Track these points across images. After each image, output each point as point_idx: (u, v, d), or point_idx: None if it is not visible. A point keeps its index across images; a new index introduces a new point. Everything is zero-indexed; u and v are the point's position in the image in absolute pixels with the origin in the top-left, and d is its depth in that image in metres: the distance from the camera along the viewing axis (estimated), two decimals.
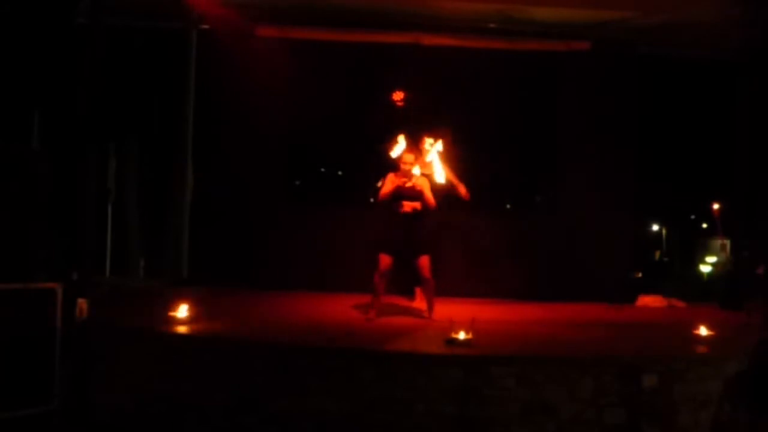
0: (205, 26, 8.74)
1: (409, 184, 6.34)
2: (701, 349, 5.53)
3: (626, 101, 8.72)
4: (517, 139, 8.80)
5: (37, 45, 7.59)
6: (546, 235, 8.58)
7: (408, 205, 6.36)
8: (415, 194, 6.36)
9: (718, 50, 8.89)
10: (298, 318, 6.36)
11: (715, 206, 8.25)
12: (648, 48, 8.90)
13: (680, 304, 8.45)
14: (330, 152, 9.09)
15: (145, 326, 5.56)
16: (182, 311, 5.72)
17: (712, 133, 10.13)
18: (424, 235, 6.48)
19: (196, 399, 4.89)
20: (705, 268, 12.38)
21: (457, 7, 8.24)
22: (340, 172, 9.61)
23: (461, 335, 5.03)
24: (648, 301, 8.45)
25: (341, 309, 7.04)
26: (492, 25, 8.61)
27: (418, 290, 7.50)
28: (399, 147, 6.45)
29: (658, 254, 14.44)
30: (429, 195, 6.39)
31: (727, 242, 9.15)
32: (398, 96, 7.71)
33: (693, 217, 14.71)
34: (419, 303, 7.26)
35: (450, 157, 6.87)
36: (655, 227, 14.82)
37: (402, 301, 7.35)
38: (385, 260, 6.39)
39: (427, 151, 6.62)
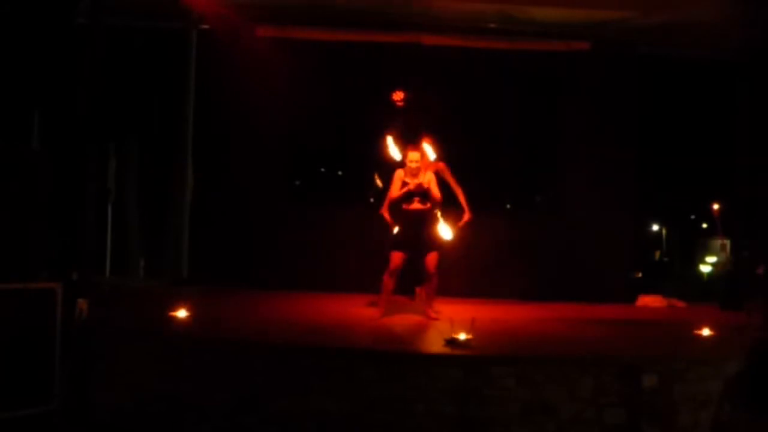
0: (205, 26, 8.74)
1: (415, 182, 6.35)
2: (701, 349, 5.53)
3: (626, 101, 8.72)
4: (518, 139, 8.81)
5: (37, 45, 7.59)
6: (546, 235, 8.58)
7: (416, 203, 6.39)
8: (423, 192, 6.39)
9: (718, 50, 8.90)
10: (298, 318, 6.36)
11: (715, 206, 8.25)
12: (648, 48, 8.91)
13: (680, 304, 8.45)
14: (330, 152, 9.10)
15: (145, 326, 5.57)
16: (182, 311, 5.73)
17: (712, 133, 10.12)
18: (433, 232, 6.50)
19: (196, 399, 4.88)
20: (705, 268, 12.37)
21: (458, 7, 8.24)
22: (340, 172, 9.61)
23: (461, 335, 5.03)
24: (648, 301, 8.45)
25: (341, 309, 7.04)
26: (492, 25, 8.61)
27: (418, 290, 7.49)
28: (391, 148, 6.48)
29: (658, 254, 14.43)
30: (435, 191, 6.42)
31: (727, 242, 9.14)
32: (398, 96, 7.70)
33: (693, 217, 14.70)
34: (420, 303, 7.27)
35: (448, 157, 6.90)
36: (655, 227, 14.81)
37: (402, 301, 7.34)
38: (396, 259, 6.39)
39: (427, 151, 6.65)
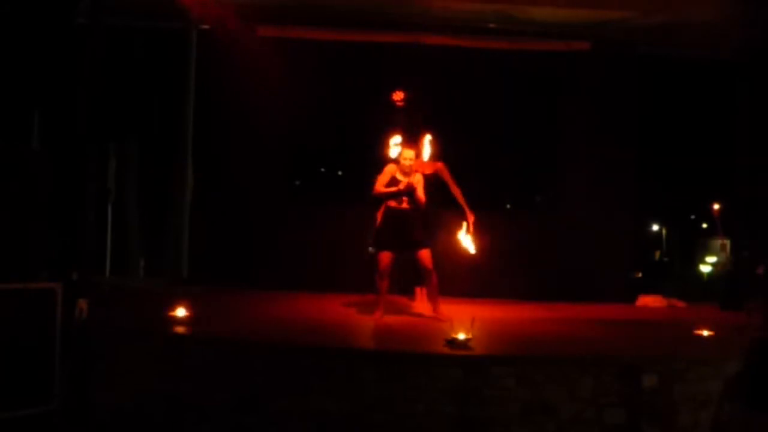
0: (205, 26, 8.74)
1: (405, 181, 6.29)
2: (701, 349, 5.53)
3: (626, 101, 8.72)
4: (517, 139, 8.81)
5: (37, 45, 7.59)
6: (546, 234, 8.57)
7: (403, 203, 6.34)
8: (412, 191, 6.32)
9: (718, 50, 8.89)
10: (298, 318, 6.36)
11: (715, 206, 8.25)
12: (648, 48, 8.90)
13: (680, 304, 8.45)
14: (330, 152, 9.10)
15: (145, 326, 5.57)
16: (182, 311, 5.72)
17: (712, 133, 10.13)
18: (421, 230, 6.41)
19: (196, 399, 4.88)
20: (705, 268, 12.39)
21: (457, 7, 8.24)
22: (340, 172, 9.61)
23: (461, 335, 5.03)
24: (648, 301, 8.45)
25: (341, 309, 7.04)
26: (492, 25, 8.62)
27: (417, 290, 7.49)
28: (395, 147, 6.46)
29: (658, 254, 14.45)
30: (421, 193, 6.33)
31: (727, 242, 9.15)
32: (398, 96, 7.70)
33: (693, 217, 14.71)
34: (420, 303, 7.26)
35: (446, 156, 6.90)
36: (655, 227, 14.82)
37: (402, 301, 7.34)
38: (383, 259, 6.35)
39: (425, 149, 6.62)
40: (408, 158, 6.32)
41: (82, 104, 7.12)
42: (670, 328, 6.68)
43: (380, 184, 6.41)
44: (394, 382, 4.72)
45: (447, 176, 6.89)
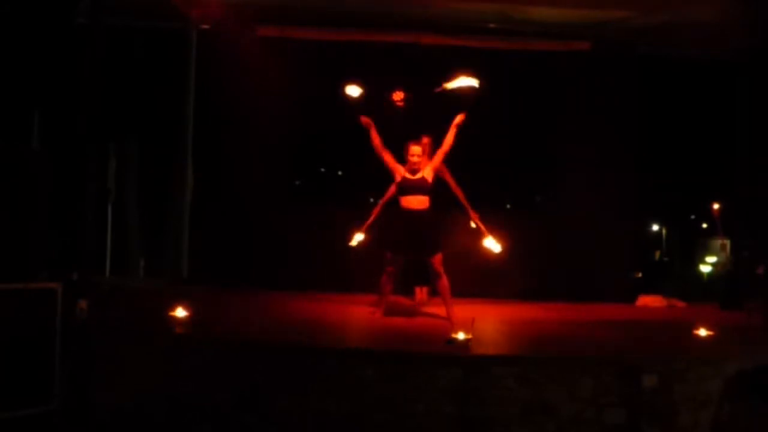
0: (205, 26, 8.74)
1: (419, 175, 6.22)
2: (701, 349, 5.53)
3: (626, 101, 8.72)
4: (517, 139, 8.80)
5: (37, 45, 7.60)
6: (546, 235, 8.57)
7: (415, 203, 6.23)
8: (422, 187, 6.23)
9: (718, 50, 8.90)
10: (298, 318, 6.36)
11: (715, 206, 8.25)
12: (648, 48, 8.91)
13: (680, 304, 8.45)
14: (330, 152, 9.09)
15: (145, 326, 5.57)
16: (182, 311, 5.72)
17: (712, 133, 10.13)
18: (433, 232, 6.26)
19: (196, 399, 4.88)
20: (705, 268, 12.40)
21: (457, 7, 8.24)
22: (340, 172, 9.61)
23: (461, 335, 5.03)
24: (648, 301, 8.45)
25: (341, 309, 7.04)
26: (492, 25, 8.61)
27: (417, 290, 7.50)
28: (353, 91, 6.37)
29: (658, 254, 14.47)
30: (439, 160, 6.29)
31: (727, 242, 9.15)
32: (398, 96, 7.69)
33: (693, 217, 14.73)
34: (419, 302, 7.27)
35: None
36: (655, 227, 14.84)
37: (402, 301, 7.34)
38: (394, 261, 6.28)
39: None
40: (415, 154, 6.26)
41: (82, 104, 7.12)
42: (670, 328, 6.67)
43: (391, 190, 6.41)
44: (394, 382, 4.71)
45: (447, 176, 6.89)
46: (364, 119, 6.27)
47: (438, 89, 6.22)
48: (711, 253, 12.52)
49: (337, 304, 7.34)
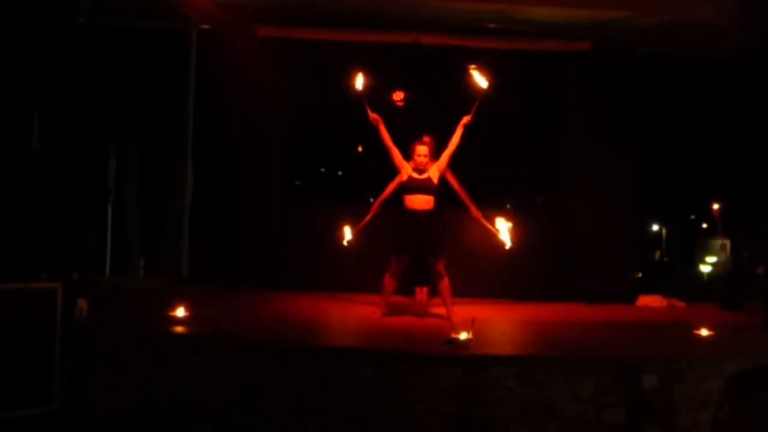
0: (205, 26, 8.74)
1: (425, 175, 6.22)
2: (701, 349, 5.53)
3: (626, 101, 8.71)
4: (517, 139, 8.80)
5: (37, 45, 7.60)
6: (546, 234, 8.56)
7: (420, 203, 6.24)
8: (428, 187, 6.24)
9: (718, 50, 8.88)
10: (298, 318, 6.36)
11: (715, 206, 8.24)
12: (648, 48, 8.89)
13: (680, 304, 8.45)
14: (330, 152, 9.09)
15: (145, 326, 5.57)
16: (182, 311, 5.72)
17: (712, 133, 10.13)
18: (439, 232, 6.28)
19: (196, 399, 4.88)
20: (705, 268, 12.40)
21: (457, 6, 8.24)
22: (340, 172, 9.60)
23: (461, 335, 5.03)
24: (648, 301, 8.45)
25: (341, 309, 7.04)
26: (492, 25, 8.61)
27: (417, 290, 7.49)
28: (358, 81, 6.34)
29: (658, 254, 14.46)
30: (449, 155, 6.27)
31: (727, 242, 9.14)
32: (398, 96, 7.71)
33: (693, 217, 14.73)
34: (420, 302, 7.27)
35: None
36: (655, 227, 14.84)
37: (402, 301, 7.34)
38: (399, 262, 6.28)
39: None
40: (422, 154, 6.27)
41: (82, 104, 7.14)
42: (670, 328, 6.67)
43: (390, 188, 6.39)
44: (394, 382, 4.72)
45: (450, 176, 6.88)
46: (373, 116, 6.26)
47: (472, 67, 6.18)
48: (711, 253, 12.52)
49: (337, 304, 7.34)
